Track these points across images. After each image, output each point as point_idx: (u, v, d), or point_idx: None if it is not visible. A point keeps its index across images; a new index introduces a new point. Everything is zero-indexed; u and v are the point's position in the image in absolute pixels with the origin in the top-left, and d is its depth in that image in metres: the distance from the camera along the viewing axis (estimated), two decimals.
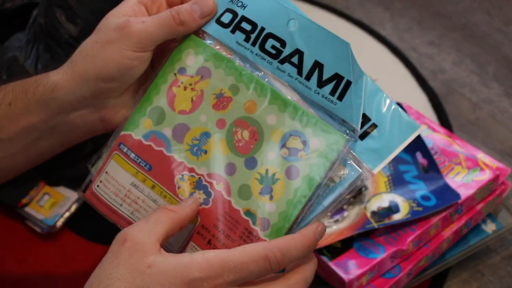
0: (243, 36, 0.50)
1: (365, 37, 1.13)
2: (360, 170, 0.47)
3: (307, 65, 0.47)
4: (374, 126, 0.48)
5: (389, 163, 0.73)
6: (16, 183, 0.73)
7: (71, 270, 0.75)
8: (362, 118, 0.47)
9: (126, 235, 0.46)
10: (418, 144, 0.73)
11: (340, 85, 0.46)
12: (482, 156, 0.77)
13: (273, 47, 0.49)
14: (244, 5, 0.51)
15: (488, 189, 0.73)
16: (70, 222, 0.78)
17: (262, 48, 0.49)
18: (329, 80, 0.47)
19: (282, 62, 0.48)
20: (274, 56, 0.48)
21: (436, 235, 0.70)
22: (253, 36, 0.50)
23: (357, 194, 0.71)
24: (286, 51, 0.48)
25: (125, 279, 0.45)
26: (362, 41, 1.12)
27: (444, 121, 0.96)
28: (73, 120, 0.57)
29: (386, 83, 0.98)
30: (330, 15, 1.18)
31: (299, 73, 0.47)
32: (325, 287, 0.68)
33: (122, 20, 0.54)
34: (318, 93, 0.47)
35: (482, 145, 0.93)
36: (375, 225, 0.68)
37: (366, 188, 0.72)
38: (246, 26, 0.50)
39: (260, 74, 0.49)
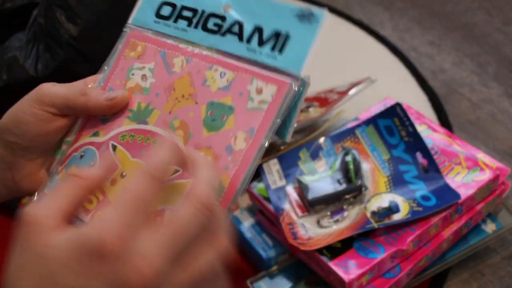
0: (186, 22, 0.54)
1: (365, 37, 1.13)
2: (288, 80, 0.48)
3: (247, 31, 0.50)
4: (288, 37, 0.49)
5: (389, 163, 0.73)
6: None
7: None
8: (275, 36, 0.49)
9: (22, 214, 0.41)
10: (418, 144, 0.73)
11: (279, 40, 0.49)
12: (482, 156, 0.77)
13: (215, 24, 0.52)
14: None
15: (488, 189, 0.73)
16: None
17: (204, 28, 0.52)
18: (269, 39, 0.49)
19: (223, 34, 0.51)
20: (216, 32, 0.52)
21: (436, 235, 0.70)
22: (195, 20, 0.53)
23: (357, 194, 0.71)
24: (227, 24, 0.52)
25: (26, 270, 0.39)
26: (362, 41, 1.12)
27: (444, 121, 0.96)
28: None
29: (386, 83, 0.98)
30: (330, 15, 1.17)
31: (241, 39, 0.50)
32: (325, 287, 0.68)
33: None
34: (261, 52, 0.49)
35: (482, 145, 0.93)
36: (375, 225, 0.68)
37: (366, 188, 0.72)
38: (187, 13, 0.54)
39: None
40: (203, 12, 0.53)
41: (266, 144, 0.47)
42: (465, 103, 1.00)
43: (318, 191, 0.72)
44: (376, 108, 0.81)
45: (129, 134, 0.52)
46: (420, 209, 0.69)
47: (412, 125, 0.74)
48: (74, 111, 0.54)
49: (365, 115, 0.81)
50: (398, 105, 0.75)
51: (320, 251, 0.67)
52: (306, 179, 0.73)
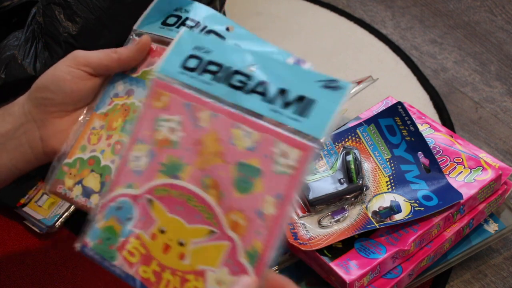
0: (211, 76, 0.54)
1: (366, 35, 1.12)
2: (312, 144, 0.48)
3: (272, 92, 0.51)
4: (312, 101, 0.49)
5: (390, 163, 0.73)
6: (15, 183, 0.73)
7: (69, 270, 0.74)
8: (299, 99, 0.50)
9: None
10: (420, 144, 0.73)
11: (303, 104, 0.49)
12: (484, 156, 0.76)
13: (239, 81, 0.52)
14: (188, 11, 0.59)
15: (491, 189, 0.73)
16: (69, 222, 0.78)
17: (228, 83, 0.53)
18: (293, 102, 0.50)
19: (248, 92, 0.52)
20: (240, 88, 0.52)
21: (438, 235, 0.70)
22: (219, 75, 0.54)
23: (358, 194, 0.71)
24: (252, 83, 0.52)
25: None
26: (363, 40, 1.12)
27: (446, 120, 0.96)
28: (19, 137, 0.60)
29: (388, 82, 0.98)
30: (331, 14, 1.17)
31: (266, 100, 0.51)
32: (326, 287, 0.68)
33: None
34: (283, 114, 0.50)
35: (485, 144, 0.92)
36: (377, 225, 0.67)
37: (368, 188, 0.72)
38: (190, 23, 0.57)
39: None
40: (228, 68, 0.53)
41: (292, 210, 0.48)
42: (467, 102, 1.00)
43: (319, 191, 0.71)
44: (378, 107, 0.81)
45: (163, 189, 0.52)
46: (422, 209, 0.68)
47: (413, 124, 0.73)
48: (108, 68, 0.60)
49: (367, 114, 0.80)
50: (399, 104, 0.74)
51: (321, 251, 0.67)
52: (307, 178, 0.73)
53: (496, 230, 0.75)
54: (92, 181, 0.59)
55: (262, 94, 0.51)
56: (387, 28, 1.14)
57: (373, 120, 0.76)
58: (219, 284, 0.48)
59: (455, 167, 0.73)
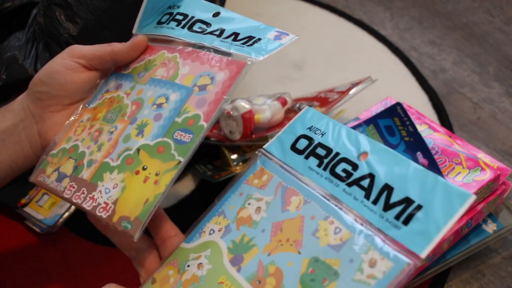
0: (175, 23, 0.58)
1: (365, 36, 1.13)
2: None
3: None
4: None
5: None
6: (15, 183, 0.73)
7: (70, 270, 0.74)
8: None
9: None
10: (418, 144, 0.73)
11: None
12: (482, 156, 0.77)
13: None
14: (180, 6, 0.60)
15: (489, 189, 0.73)
16: (70, 222, 0.78)
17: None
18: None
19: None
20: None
21: None
22: (183, 22, 0.58)
23: None
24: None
25: None
26: (362, 41, 1.12)
27: (445, 121, 0.96)
28: (19, 133, 0.61)
29: (387, 83, 0.98)
30: (330, 15, 1.17)
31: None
32: None
33: None
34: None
35: (483, 145, 0.93)
36: None
37: None
38: (179, 17, 0.59)
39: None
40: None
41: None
42: (466, 102, 1.00)
43: None
44: (377, 108, 0.81)
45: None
46: None
47: (412, 125, 0.73)
48: (102, 60, 0.61)
49: (366, 114, 0.81)
50: (398, 104, 0.74)
51: None
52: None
53: (495, 230, 0.76)
54: (67, 167, 0.59)
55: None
56: (386, 29, 1.14)
57: (372, 121, 0.76)
58: None
59: (454, 168, 0.73)
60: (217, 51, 0.57)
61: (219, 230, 0.51)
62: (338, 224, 0.45)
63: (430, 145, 0.75)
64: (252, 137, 0.81)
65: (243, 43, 0.55)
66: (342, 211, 0.45)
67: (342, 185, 0.47)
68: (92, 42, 0.76)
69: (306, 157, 0.51)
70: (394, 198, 0.43)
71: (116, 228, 0.53)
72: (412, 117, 0.74)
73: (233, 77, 0.54)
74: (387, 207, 0.43)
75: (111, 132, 0.58)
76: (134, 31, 0.64)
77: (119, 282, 0.63)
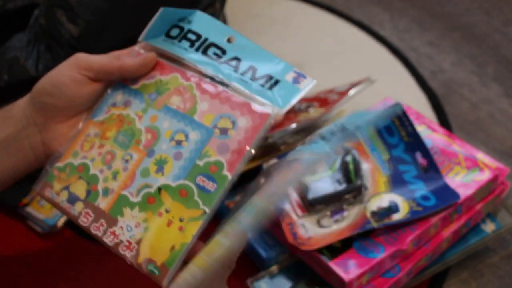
0: (188, 43, 0.60)
1: (364, 37, 1.13)
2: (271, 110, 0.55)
3: (243, 67, 0.57)
4: (277, 81, 0.56)
5: (389, 163, 0.74)
6: (17, 183, 0.73)
7: (71, 270, 0.75)
8: (266, 77, 0.56)
9: None
10: (417, 144, 0.73)
11: (270, 81, 0.56)
12: (481, 156, 0.77)
13: (214, 53, 0.58)
14: (190, 21, 0.61)
15: (488, 189, 0.73)
16: (71, 222, 0.78)
17: (204, 53, 0.58)
18: (261, 78, 0.56)
19: (221, 63, 0.58)
20: (215, 59, 0.58)
21: (436, 235, 0.70)
22: (197, 44, 0.59)
23: (357, 194, 0.71)
24: (226, 57, 0.58)
25: None
26: (361, 42, 1.12)
27: (444, 121, 0.96)
28: (21, 141, 0.60)
29: (386, 84, 0.99)
30: (329, 15, 1.18)
31: (236, 71, 0.57)
32: (325, 287, 0.69)
33: None
34: (251, 86, 0.56)
35: (482, 145, 0.93)
36: (375, 225, 0.68)
37: (366, 188, 0.72)
38: (191, 36, 0.60)
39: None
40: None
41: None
42: (465, 103, 1.00)
43: (318, 191, 0.72)
44: (376, 108, 0.82)
45: None
46: (420, 209, 0.69)
47: (411, 125, 0.74)
48: (109, 74, 0.59)
49: None
50: (397, 105, 0.75)
51: (320, 251, 0.67)
52: (306, 179, 0.73)
53: (493, 230, 0.76)
54: (79, 188, 0.59)
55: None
56: (385, 30, 1.14)
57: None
58: None
59: (453, 168, 0.74)
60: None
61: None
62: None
63: (429, 145, 0.75)
64: None
65: (262, 84, 0.56)
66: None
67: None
68: (94, 43, 0.76)
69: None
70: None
71: (142, 270, 0.54)
72: (411, 118, 0.75)
73: (256, 127, 0.55)
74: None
75: (126, 161, 0.58)
76: (140, 38, 0.62)
77: (120, 282, 0.64)
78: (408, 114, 0.74)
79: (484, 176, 0.72)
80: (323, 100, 0.88)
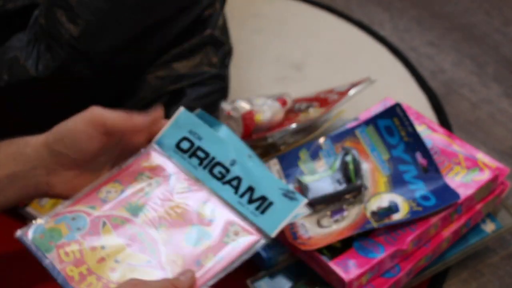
0: (198, 161, 0.65)
1: (364, 37, 1.13)
2: (259, 236, 0.60)
3: (243, 188, 0.62)
4: (271, 203, 0.61)
5: (389, 163, 0.74)
6: None
7: None
8: (261, 199, 0.62)
9: None
10: (417, 144, 0.73)
11: (264, 203, 0.61)
12: (481, 156, 0.77)
13: (219, 172, 0.64)
14: (200, 138, 0.65)
15: (488, 189, 0.73)
16: None
17: (211, 172, 0.64)
18: (257, 200, 0.61)
19: (224, 183, 0.63)
20: (219, 179, 0.64)
21: (436, 234, 0.70)
22: (205, 162, 0.65)
23: (357, 194, 0.71)
24: (229, 177, 0.63)
25: None
26: (361, 42, 1.12)
27: (444, 121, 0.96)
28: (29, 179, 0.64)
29: (386, 84, 0.99)
30: (329, 16, 1.18)
31: (236, 192, 0.62)
32: (325, 287, 0.69)
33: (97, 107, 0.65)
34: (248, 208, 0.61)
35: (482, 145, 0.93)
36: (375, 225, 0.68)
37: (366, 188, 0.72)
38: (200, 154, 0.65)
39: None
40: (213, 158, 0.64)
41: (223, 275, 0.58)
42: (465, 103, 1.00)
43: (318, 191, 0.72)
44: (376, 108, 0.82)
45: (121, 220, 0.62)
46: (420, 209, 0.69)
47: (411, 125, 0.74)
48: (121, 132, 0.64)
49: (365, 115, 0.81)
50: (397, 105, 0.75)
51: (320, 250, 0.67)
52: (306, 179, 0.73)
53: (493, 229, 0.76)
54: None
55: (235, 188, 0.63)
56: (385, 30, 1.14)
57: (372, 121, 0.77)
58: None
59: (453, 168, 0.74)
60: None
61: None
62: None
63: (429, 145, 0.75)
64: (252, 137, 0.82)
65: (257, 207, 0.61)
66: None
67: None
68: (94, 43, 0.76)
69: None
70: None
71: None
72: (411, 118, 0.75)
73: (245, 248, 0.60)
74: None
75: None
76: (154, 140, 0.67)
77: None
78: (408, 114, 0.74)
79: (484, 176, 0.72)
80: (323, 100, 0.88)
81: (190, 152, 0.65)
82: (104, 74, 0.80)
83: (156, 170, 0.65)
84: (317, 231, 0.69)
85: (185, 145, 0.66)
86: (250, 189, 0.62)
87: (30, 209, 0.78)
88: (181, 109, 0.67)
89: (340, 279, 0.65)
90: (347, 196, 0.72)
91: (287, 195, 0.61)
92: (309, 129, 0.84)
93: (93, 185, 0.65)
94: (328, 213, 0.71)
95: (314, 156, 0.77)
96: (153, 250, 0.59)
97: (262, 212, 0.61)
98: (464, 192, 0.71)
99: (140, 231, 0.61)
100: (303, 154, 0.77)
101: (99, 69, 0.79)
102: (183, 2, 0.82)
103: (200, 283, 0.57)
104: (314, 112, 0.85)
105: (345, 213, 0.70)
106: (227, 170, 0.64)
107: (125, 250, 0.59)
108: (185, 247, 0.59)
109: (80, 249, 0.59)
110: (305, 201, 0.60)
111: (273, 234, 0.59)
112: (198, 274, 0.58)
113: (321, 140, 0.78)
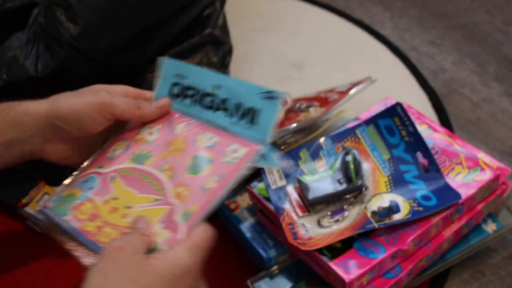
0: (190, 100, 0.68)
1: (365, 37, 1.13)
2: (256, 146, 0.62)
3: (231, 107, 0.65)
4: (260, 110, 0.63)
5: (389, 163, 0.73)
6: (16, 183, 0.73)
7: (70, 269, 0.75)
8: (250, 110, 0.64)
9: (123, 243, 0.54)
10: (418, 144, 0.73)
11: (253, 114, 0.63)
12: (482, 156, 0.77)
13: (209, 102, 0.66)
14: (185, 77, 0.68)
15: (489, 189, 0.73)
16: None
17: (202, 104, 0.67)
18: (246, 113, 0.64)
19: (215, 111, 0.66)
20: (210, 107, 0.66)
21: (437, 235, 0.70)
22: (195, 97, 0.67)
23: (357, 194, 0.71)
24: (217, 102, 0.66)
25: (132, 280, 0.52)
26: (362, 41, 1.12)
27: (445, 121, 0.96)
28: (25, 145, 0.65)
29: (387, 83, 0.98)
30: (330, 15, 1.18)
31: (227, 114, 0.65)
32: (325, 287, 0.68)
33: (102, 89, 0.66)
34: (240, 125, 0.64)
35: (483, 145, 0.93)
36: (376, 225, 0.68)
37: (367, 188, 0.72)
38: (189, 92, 0.68)
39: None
40: (200, 91, 0.67)
41: (232, 187, 0.59)
42: (466, 103, 1.00)
43: (318, 191, 0.72)
44: (377, 108, 0.81)
45: (127, 170, 0.64)
46: (421, 209, 0.69)
47: (412, 125, 0.74)
48: (128, 120, 0.67)
49: (366, 115, 0.81)
50: (398, 105, 0.75)
51: (320, 251, 0.67)
52: (307, 179, 0.73)
53: (494, 230, 0.76)
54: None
55: (225, 110, 0.65)
56: (386, 29, 1.14)
57: (372, 121, 0.76)
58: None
59: (454, 167, 0.74)
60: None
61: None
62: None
63: (430, 145, 0.75)
64: None
65: (249, 120, 0.64)
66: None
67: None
68: (93, 42, 0.76)
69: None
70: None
71: None
72: (412, 117, 0.75)
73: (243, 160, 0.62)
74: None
75: None
76: (153, 99, 0.69)
77: None
78: (409, 113, 0.74)
79: (485, 176, 0.72)
80: (323, 100, 0.88)
81: (182, 94, 0.68)
82: (104, 73, 0.80)
83: (155, 121, 0.68)
84: (317, 231, 0.69)
85: (176, 89, 0.69)
86: (238, 106, 0.65)
87: (30, 209, 0.78)
88: (165, 60, 0.70)
89: (340, 280, 0.65)
90: (348, 196, 0.71)
91: (267, 96, 0.63)
92: (309, 128, 0.84)
93: (102, 149, 0.68)
94: (329, 213, 0.70)
95: (315, 156, 0.77)
96: (160, 189, 0.61)
97: (254, 122, 0.63)
98: (465, 192, 0.70)
99: (146, 175, 0.63)
100: (304, 154, 0.77)
101: (99, 68, 0.79)
102: (183, 2, 0.82)
103: (209, 204, 0.58)
104: (314, 112, 0.85)
105: (346, 213, 0.70)
106: (214, 96, 0.66)
107: (135, 195, 0.62)
108: (189, 177, 0.61)
109: (93, 206, 0.62)
110: (284, 93, 0.63)
111: (268, 138, 0.62)
112: (203, 197, 0.59)
113: (322, 139, 0.78)
